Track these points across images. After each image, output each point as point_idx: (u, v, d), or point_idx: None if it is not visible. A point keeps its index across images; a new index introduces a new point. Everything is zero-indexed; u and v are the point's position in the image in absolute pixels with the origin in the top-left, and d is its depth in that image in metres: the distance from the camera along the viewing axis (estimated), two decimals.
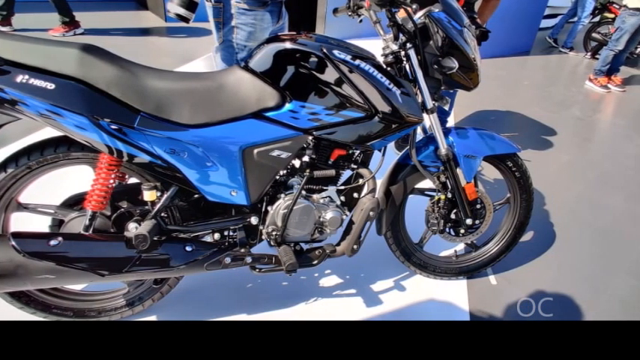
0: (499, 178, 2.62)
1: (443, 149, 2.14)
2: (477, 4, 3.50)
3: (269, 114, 1.75)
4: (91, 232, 1.76)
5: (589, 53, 9.22)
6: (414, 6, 1.99)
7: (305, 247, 2.14)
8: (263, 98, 1.73)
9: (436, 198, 2.33)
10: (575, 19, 9.21)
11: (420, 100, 2.04)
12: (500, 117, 5.45)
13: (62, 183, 2.27)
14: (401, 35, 2.00)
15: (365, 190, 2.10)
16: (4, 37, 1.52)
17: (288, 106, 1.75)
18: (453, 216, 2.35)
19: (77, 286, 2.08)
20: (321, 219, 2.04)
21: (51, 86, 1.49)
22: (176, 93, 1.66)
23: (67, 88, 1.51)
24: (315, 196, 2.04)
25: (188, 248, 1.84)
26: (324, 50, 1.74)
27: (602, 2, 9.07)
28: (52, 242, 1.65)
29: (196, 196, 1.87)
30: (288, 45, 1.73)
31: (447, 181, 2.26)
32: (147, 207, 1.82)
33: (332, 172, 1.98)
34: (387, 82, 1.84)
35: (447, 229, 2.40)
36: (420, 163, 2.17)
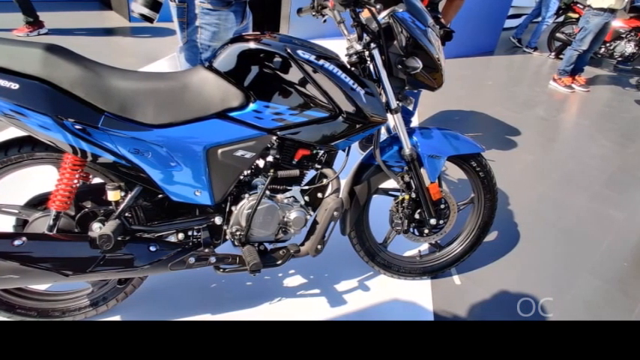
0: (463, 178, 2.64)
1: (407, 149, 2.16)
2: (441, 4, 3.53)
3: (233, 114, 1.75)
4: (55, 232, 1.76)
5: (553, 53, 9.35)
6: (378, 6, 1.99)
7: (269, 247, 2.15)
8: (227, 98, 1.73)
9: (400, 198, 2.35)
10: (540, 19, 9.31)
11: (384, 100, 2.06)
12: (465, 117, 5.50)
13: (26, 183, 2.25)
14: (365, 35, 2.01)
15: (329, 190, 2.11)
16: None
17: (252, 106, 1.76)
18: (417, 216, 2.38)
19: (41, 286, 2.06)
20: (285, 219, 2.05)
21: (15, 86, 1.49)
22: (140, 93, 1.66)
23: (31, 88, 1.51)
24: (279, 196, 2.05)
25: (152, 248, 1.84)
26: (289, 50, 1.75)
27: (566, 2, 9.18)
28: (16, 242, 1.65)
29: (160, 196, 1.87)
30: (252, 45, 1.74)
31: (411, 181, 2.28)
32: (111, 207, 1.82)
33: (296, 172, 1.99)
34: (351, 82, 1.86)
35: (411, 229, 2.43)
36: (384, 163, 2.18)
